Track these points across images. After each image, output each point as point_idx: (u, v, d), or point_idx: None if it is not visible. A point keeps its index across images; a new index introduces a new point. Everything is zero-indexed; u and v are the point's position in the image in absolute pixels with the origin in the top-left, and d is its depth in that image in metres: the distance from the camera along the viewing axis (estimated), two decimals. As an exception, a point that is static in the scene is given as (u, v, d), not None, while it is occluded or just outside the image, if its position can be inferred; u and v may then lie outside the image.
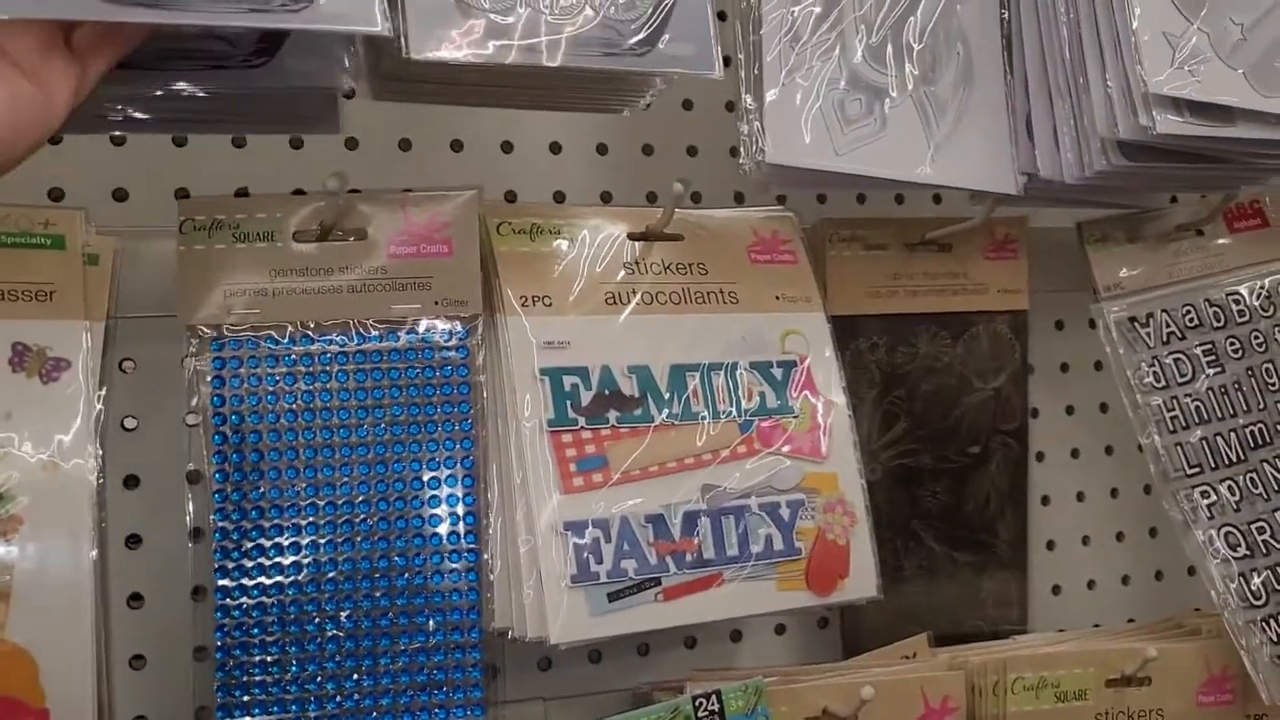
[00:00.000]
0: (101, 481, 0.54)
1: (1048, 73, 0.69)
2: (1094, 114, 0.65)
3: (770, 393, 0.66)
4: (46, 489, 0.51)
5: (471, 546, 0.59)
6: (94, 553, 0.52)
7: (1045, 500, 0.88)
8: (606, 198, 0.75)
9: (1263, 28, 0.66)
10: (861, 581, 0.65)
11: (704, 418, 0.64)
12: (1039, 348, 0.88)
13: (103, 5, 0.42)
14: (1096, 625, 0.86)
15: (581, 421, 0.60)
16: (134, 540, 0.63)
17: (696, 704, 0.60)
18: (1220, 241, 0.83)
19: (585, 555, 0.58)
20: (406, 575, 0.58)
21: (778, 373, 0.66)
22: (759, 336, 0.67)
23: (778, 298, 0.69)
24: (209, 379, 0.57)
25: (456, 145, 0.72)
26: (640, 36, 0.56)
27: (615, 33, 0.56)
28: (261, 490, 0.57)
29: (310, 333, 0.58)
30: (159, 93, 0.51)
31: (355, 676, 0.56)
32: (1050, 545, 0.88)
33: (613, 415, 0.61)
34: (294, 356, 0.58)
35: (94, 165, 0.64)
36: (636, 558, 0.59)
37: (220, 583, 0.56)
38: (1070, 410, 0.89)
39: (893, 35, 0.68)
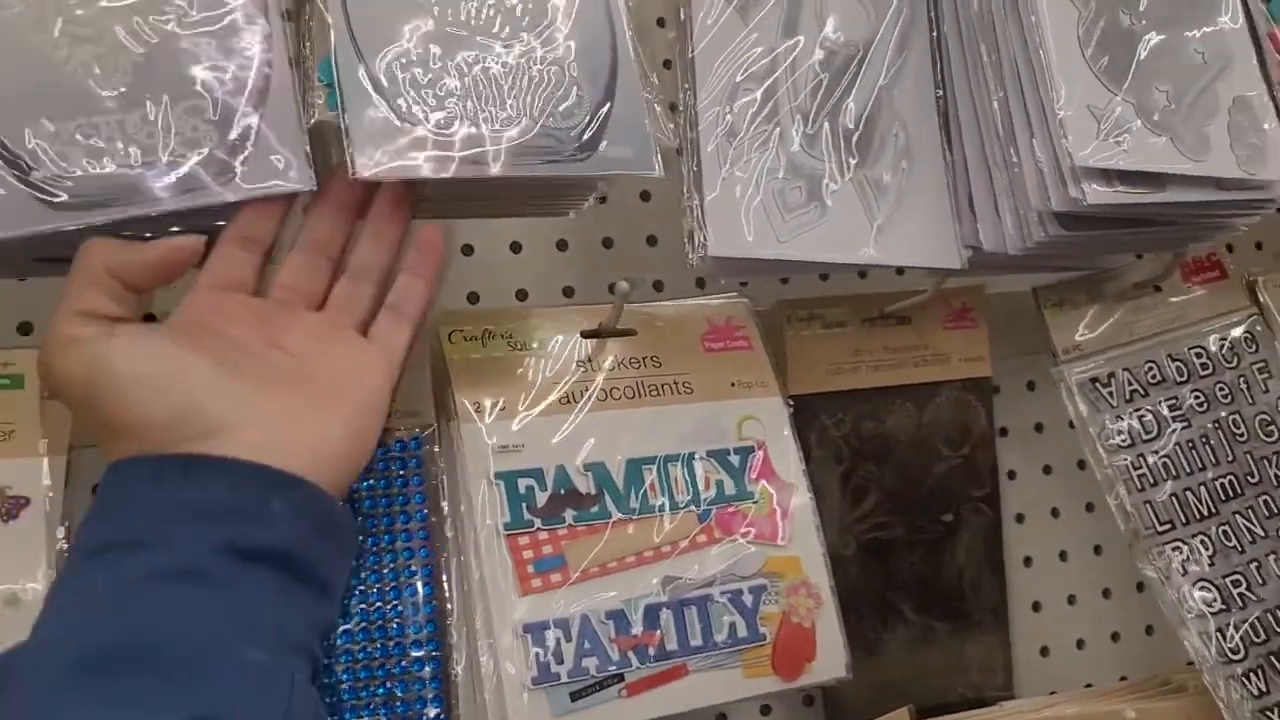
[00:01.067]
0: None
1: (984, 148, 0.70)
2: (1027, 188, 0.67)
3: (728, 480, 0.67)
4: (10, 624, 0.53)
5: (434, 653, 0.59)
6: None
7: (1028, 561, 0.88)
8: (569, 293, 0.77)
9: (1188, 94, 0.68)
10: (829, 662, 0.66)
11: (662, 510, 0.64)
12: (1011, 410, 0.88)
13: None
14: (1089, 685, 0.85)
15: (538, 523, 0.61)
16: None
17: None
18: (1179, 298, 0.84)
19: (546, 656, 0.59)
20: (370, 684, 0.58)
21: (735, 459, 0.67)
22: (715, 424, 0.68)
23: (733, 384, 0.70)
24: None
25: None
26: (580, 142, 0.58)
27: (555, 140, 0.58)
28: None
29: (269, 451, 0.60)
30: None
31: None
32: (1036, 607, 0.88)
33: (569, 514, 0.62)
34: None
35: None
36: (598, 655, 0.60)
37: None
38: (1048, 470, 0.90)
39: (829, 122, 0.70)
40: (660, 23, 0.78)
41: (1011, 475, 0.89)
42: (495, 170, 0.55)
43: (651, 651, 0.61)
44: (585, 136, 0.58)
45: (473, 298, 0.74)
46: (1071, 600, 0.89)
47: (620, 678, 0.60)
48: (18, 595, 0.54)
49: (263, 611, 0.46)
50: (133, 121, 0.51)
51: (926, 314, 0.80)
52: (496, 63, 0.57)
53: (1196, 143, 0.67)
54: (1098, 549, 0.90)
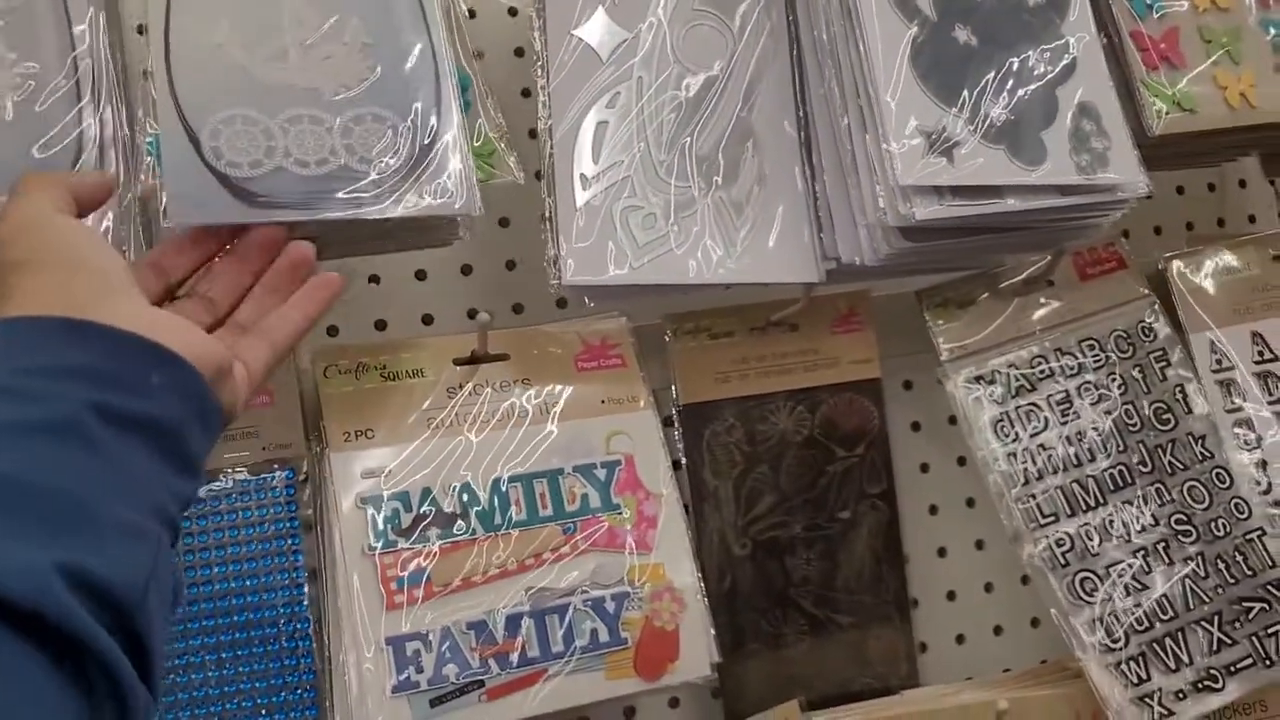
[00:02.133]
0: None
1: (841, 163, 0.73)
2: (865, 205, 0.69)
3: (593, 493, 0.71)
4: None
5: (310, 667, 0.65)
6: None
7: (942, 552, 0.91)
8: (428, 320, 0.81)
9: (1025, 104, 0.70)
10: (693, 662, 0.70)
11: (526, 525, 0.69)
12: (923, 406, 0.90)
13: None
14: (969, 678, 0.86)
15: (402, 542, 0.67)
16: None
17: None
18: (1073, 292, 0.85)
19: (406, 666, 0.64)
20: (251, 696, 0.64)
21: (601, 473, 0.72)
22: (584, 441, 0.72)
23: (603, 401, 0.74)
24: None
25: None
26: (403, 189, 0.62)
27: (377, 188, 0.62)
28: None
29: (157, 486, 0.66)
30: None
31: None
32: (951, 596, 0.91)
33: (434, 533, 0.67)
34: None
35: None
36: (458, 663, 0.65)
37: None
38: (925, 468, 0.91)
39: (685, 149, 0.73)
40: (519, 53, 0.82)
41: (924, 469, 0.91)
42: (310, 216, 0.59)
43: (513, 658, 0.66)
44: (410, 183, 0.62)
45: (332, 331, 0.78)
46: (951, 596, 0.90)
47: (480, 683, 0.65)
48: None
49: (131, 474, 0.45)
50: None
51: (813, 320, 0.83)
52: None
53: (1034, 152, 0.69)
54: (979, 544, 0.91)
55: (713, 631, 0.72)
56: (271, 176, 0.60)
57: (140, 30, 0.69)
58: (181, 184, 0.58)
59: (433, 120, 0.63)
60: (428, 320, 0.82)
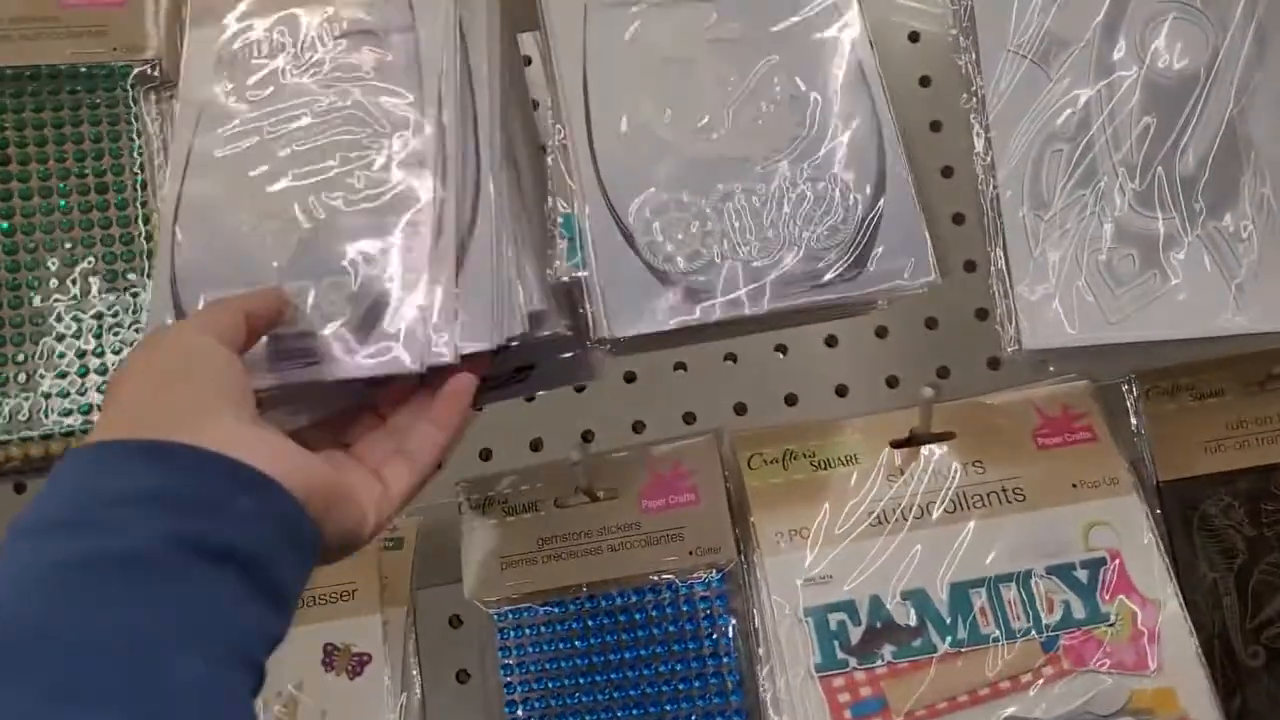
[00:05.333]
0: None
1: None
2: None
3: (1076, 600, 0.58)
4: (361, 779, 0.57)
5: (755, 803, 0.57)
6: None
7: None
8: (842, 391, 0.72)
9: None
10: (1225, 815, 0.55)
11: (997, 640, 0.58)
12: None
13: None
14: None
15: (853, 662, 0.57)
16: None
17: None
18: None
19: (870, 813, 0.54)
20: (693, 837, 0.57)
21: (1083, 575, 0.59)
22: (1055, 535, 0.60)
23: (1075, 485, 0.61)
24: (496, 649, 0.61)
25: (680, 366, 0.73)
26: (848, 261, 0.54)
27: (819, 263, 0.54)
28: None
29: (580, 596, 0.61)
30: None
31: None
32: None
33: (888, 650, 0.57)
34: (568, 620, 0.61)
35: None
36: (931, 811, 0.54)
37: (526, 846, 0.59)
38: None
39: (1163, 172, 0.60)
40: (924, 82, 0.72)
41: None
42: (758, 309, 0.52)
43: (996, 805, 0.55)
44: (854, 254, 0.53)
45: (740, 408, 0.71)
46: None
47: (959, 836, 0.54)
48: (364, 747, 0.58)
49: (213, 614, 0.40)
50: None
51: (1331, 370, 0.66)
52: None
53: None
54: None
55: (1243, 773, 0.56)
56: (712, 269, 0.53)
57: (536, 105, 0.66)
58: (621, 289, 0.53)
59: (879, 183, 0.55)
60: (841, 391, 0.73)
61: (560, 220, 0.55)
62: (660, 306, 0.52)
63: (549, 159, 0.57)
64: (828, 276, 0.54)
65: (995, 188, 0.60)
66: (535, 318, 0.51)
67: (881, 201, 0.54)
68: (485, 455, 0.73)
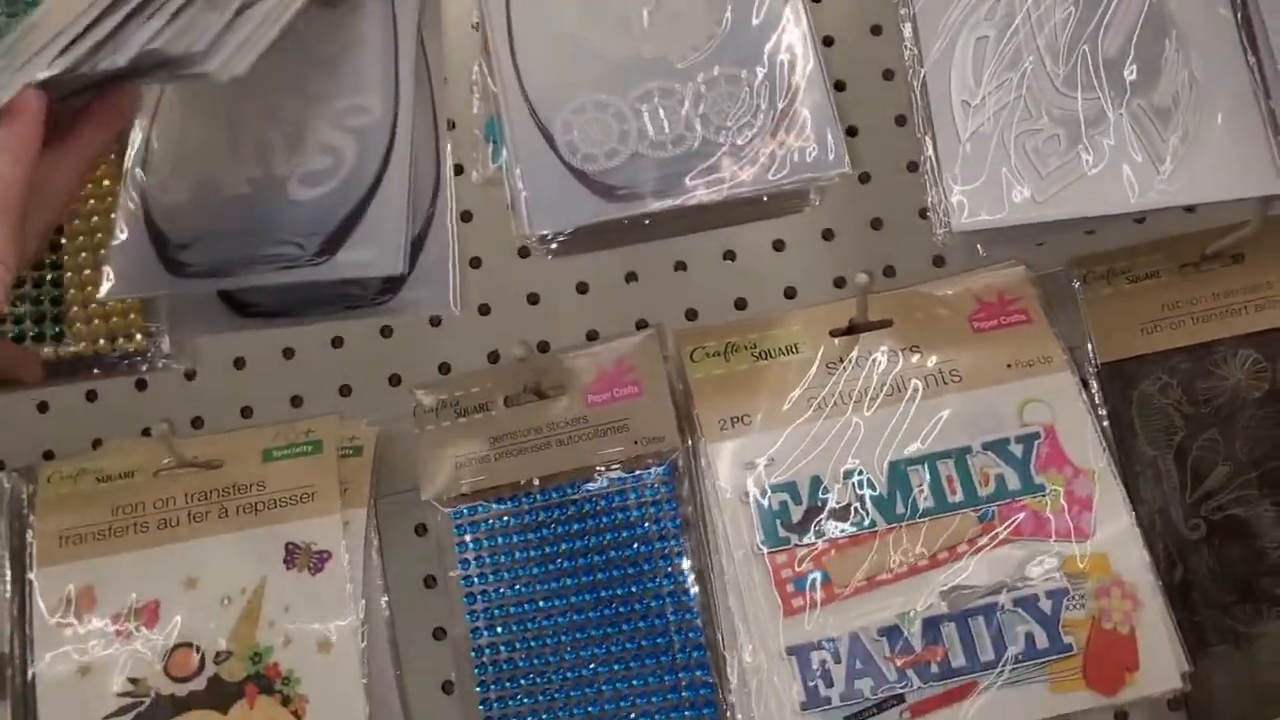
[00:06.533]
0: (364, 647, 0.61)
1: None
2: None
3: (1010, 473, 0.60)
4: (323, 666, 0.59)
5: (705, 679, 0.59)
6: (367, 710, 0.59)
7: None
8: (790, 293, 0.73)
9: None
10: (1157, 672, 0.57)
11: (934, 513, 0.59)
12: None
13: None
14: None
15: (794, 539, 0.59)
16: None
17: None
18: None
19: (814, 679, 0.56)
20: (647, 713, 0.59)
21: (1017, 449, 0.61)
22: (991, 413, 0.62)
23: (1009, 365, 0.63)
24: (454, 545, 0.63)
25: (631, 277, 0.74)
26: (765, 154, 0.55)
27: (738, 157, 0.55)
28: (514, 644, 0.61)
29: (533, 490, 0.63)
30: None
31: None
32: None
33: (829, 527, 0.59)
34: (521, 514, 0.62)
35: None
36: (872, 675, 0.56)
37: (487, 732, 0.61)
38: None
39: (1088, 51, 0.61)
40: None
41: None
42: (672, 202, 0.53)
43: (934, 669, 0.57)
44: (771, 148, 0.54)
45: (690, 314, 0.72)
46: None
47: (900, 699, 0.56)
48: (329, 639, 0.60)
49: None
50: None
51: (1268, 247, 0.67)
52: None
53: None
54: None
55: (1178, 633, 0.58)
56: (629, 165, 0.55)
57: (475, 26, 0.67)
58: (540, 187, 0.54)
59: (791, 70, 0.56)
60: (790, 293, 0.74)
61: (485, 123, 0.56)
62: (579, 204, 0.54)
63: (475, 66, 0.58)
64: (746, 170, 0.55)
65: (924, 75, 0.61)
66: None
67: (799, 97, 0.55)
68: (444, 369, 0.74)
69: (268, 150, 0.57)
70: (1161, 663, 0.57)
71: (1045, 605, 0.58)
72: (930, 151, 0.61)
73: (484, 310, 0.75)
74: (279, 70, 0.57)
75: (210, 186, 0.57)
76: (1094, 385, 0.67)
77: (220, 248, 0.55)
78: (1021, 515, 0.59)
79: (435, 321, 0.74)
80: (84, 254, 0.63)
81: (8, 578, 0.62)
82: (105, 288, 0.56)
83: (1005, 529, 0.59)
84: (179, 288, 0.55)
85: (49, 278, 0.63)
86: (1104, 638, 0.57)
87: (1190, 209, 0.69)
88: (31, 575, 0.62)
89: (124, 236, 0.56)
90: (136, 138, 0.58)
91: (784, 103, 0.55)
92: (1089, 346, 0.68)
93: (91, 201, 0.64)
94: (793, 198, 0.60)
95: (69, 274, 0.63)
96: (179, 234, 0.55)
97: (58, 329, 0.62)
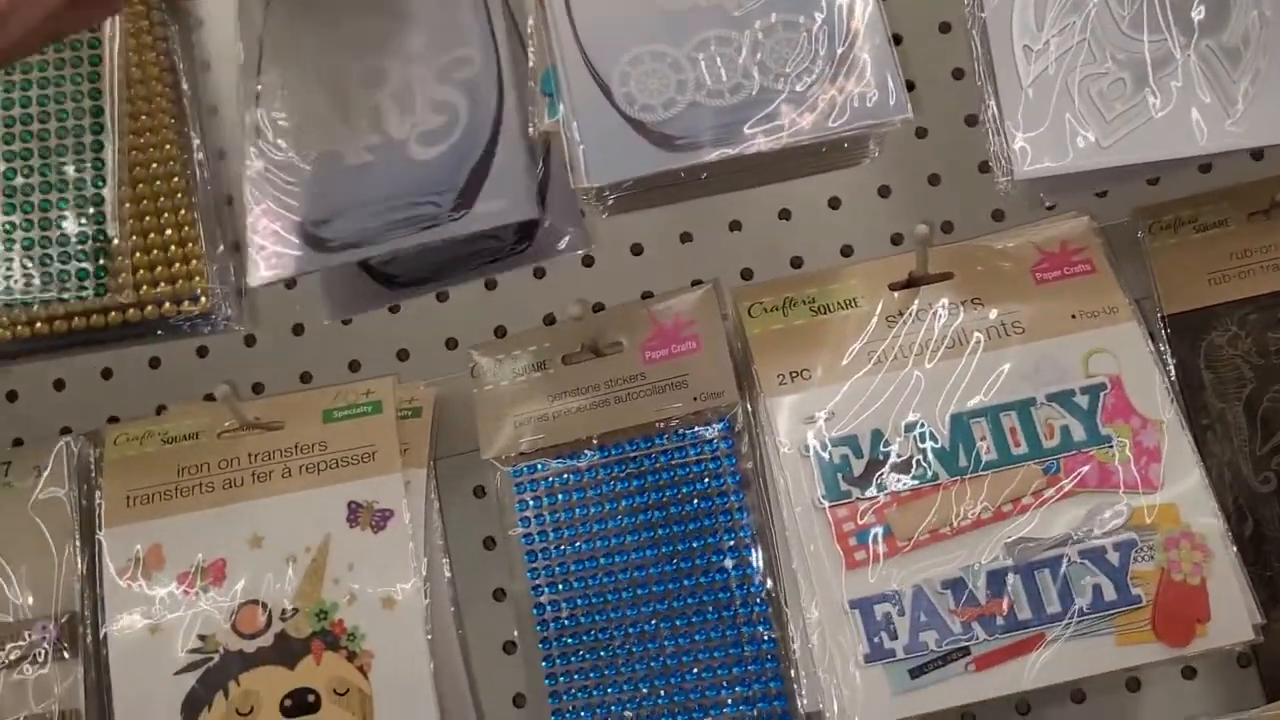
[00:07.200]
0: (427, 604, 0.61)
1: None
2: None
3: (1076, 425, 0.59)
4: (387, 624, 0.60)
5: (769, 634, 0.59)
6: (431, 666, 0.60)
7: None
8: (847, 252, 0.72)
9: None
10: (1229, 623, 0.56)
11: (998, 466, 0.59)
12: None
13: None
14: None
15: (856, 493, 0.58)
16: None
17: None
18: None
19: (877, 633, 0.56)
20: (710, 666, 0.59)
21: (1082, 400, 0.60)
22: (1054, 364, 0.61)
23: (1074, 316, 0.62)
24: (514, 504, 0.63)
25: (686, 237, 0.73)
26: (825, 101, 0.55)
27: (798, 105, 0.55)
28: (575, 601, 0.61)
29: (592, 448, 0.63)
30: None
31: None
32: None
33: (891, 480, 0.59)
34: (580, 471, 0.63)
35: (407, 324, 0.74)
36: (936, 628, 0.56)
37: (551, 688, 0.61)
38: None
39: (1152, -7, 0.59)
40: None
41: None
42: (732, 151, 0.53)
43: (1000, 621, 0.56)
44: (831, 95, 0.54)
45: (746, 274, 0.72)
46: None
47: (965, 651, 0.56)
48: (393, 597, 0.61)
49: None
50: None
51: (1337, 193, 0.65)
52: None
53: None
54: None
55: (1250, 585, 0.57)
56: (687, 115, 0.54)
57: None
58: (598, 139, 0.54)
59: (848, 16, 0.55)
60: (847, 251, 0.73)
61: (541, 76, 0.56)
62: (638, 154, 0.53)
63: (529, 18, 0.58)
64: (806, 117, 0.54)
65: (984, 21, 0.60)
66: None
67: (858, 42, 0.54)
68: (500, 333, 0.74)
69: (380, 115, 0.58)
70: (1233, 614, 0.56)
71: (1113, 557, 0.57)
72: (991, 99, 0.60)
73: (539, 274, 0.74)
74: (374, 33, 0.58)
75: (332, 159, 0.58)
76: (1161, 337, 0.66)
77: (358, 217, 0.56)
78: (1087, 467, 0.58)
79: (539, 274, 0.74)
80: (147, 218, 0.64)
81: (78, 539, 0.64)
82: (255, 274, 0.57)
83: (1071, 481, 0.58)
84: (327, 262, 0.56)
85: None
86: (1174, 589, 0.56)
87: (1258, 156, 0.68)
88: (100, 536, 0.63)
89: (261, 222, 0.57)
90: (247, 124, 0.59)
91: (843, 48, 0.54)
92: (1155, 298, 0.66)
93: (151, 150, 0.64)
94: (853, 148, 0.59)
95: (134, 237, 0.64)
96: (314, 211, 0.57)
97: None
